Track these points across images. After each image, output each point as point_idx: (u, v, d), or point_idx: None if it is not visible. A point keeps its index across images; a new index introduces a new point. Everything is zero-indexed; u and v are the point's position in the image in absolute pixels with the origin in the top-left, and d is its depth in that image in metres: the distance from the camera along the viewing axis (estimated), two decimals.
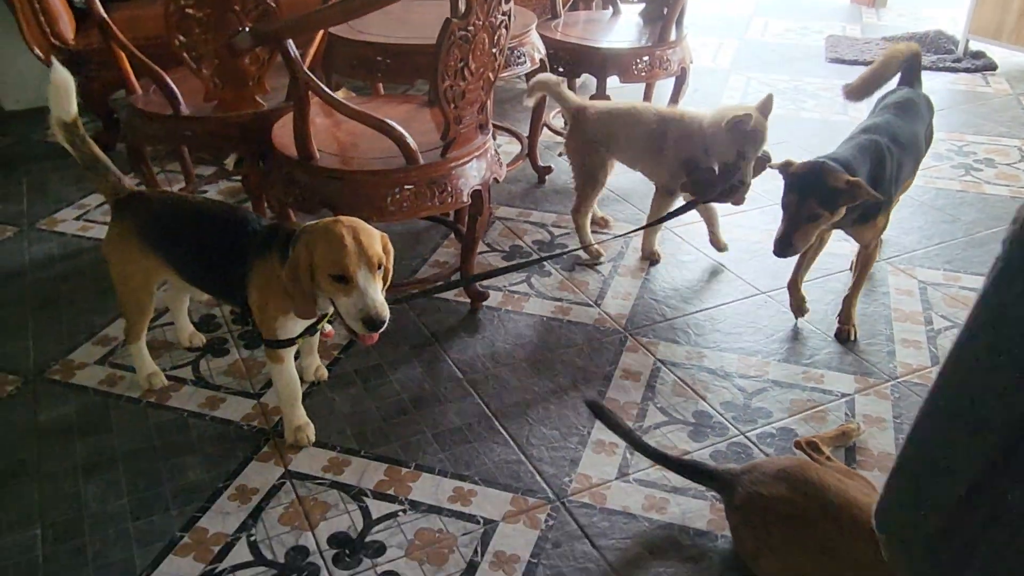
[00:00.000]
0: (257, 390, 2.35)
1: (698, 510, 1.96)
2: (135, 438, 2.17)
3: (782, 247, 2.25)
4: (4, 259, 2.99)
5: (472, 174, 2.43)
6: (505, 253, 3.04)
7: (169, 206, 2.13)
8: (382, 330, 1.80)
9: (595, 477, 2.05)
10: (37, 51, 3.55)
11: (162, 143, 2.75)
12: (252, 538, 1.88)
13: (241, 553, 1.85)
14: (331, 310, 1.99)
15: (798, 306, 2.61)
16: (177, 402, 2.30)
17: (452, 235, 3.12)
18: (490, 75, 2.38)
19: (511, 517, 1.94)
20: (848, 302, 2.55)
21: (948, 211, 3.33)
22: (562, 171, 3.63)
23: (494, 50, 2.33)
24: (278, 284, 1.89)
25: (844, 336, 2.54)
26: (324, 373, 2.37)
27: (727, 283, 2.85)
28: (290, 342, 2.00)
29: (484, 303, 2.72)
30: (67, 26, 3.58)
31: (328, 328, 2.12)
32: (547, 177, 3.61)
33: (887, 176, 2.32)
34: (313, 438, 2.15)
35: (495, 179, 2.54)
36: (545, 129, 3.76)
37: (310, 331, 2.03)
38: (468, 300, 2.72)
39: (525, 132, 3.60)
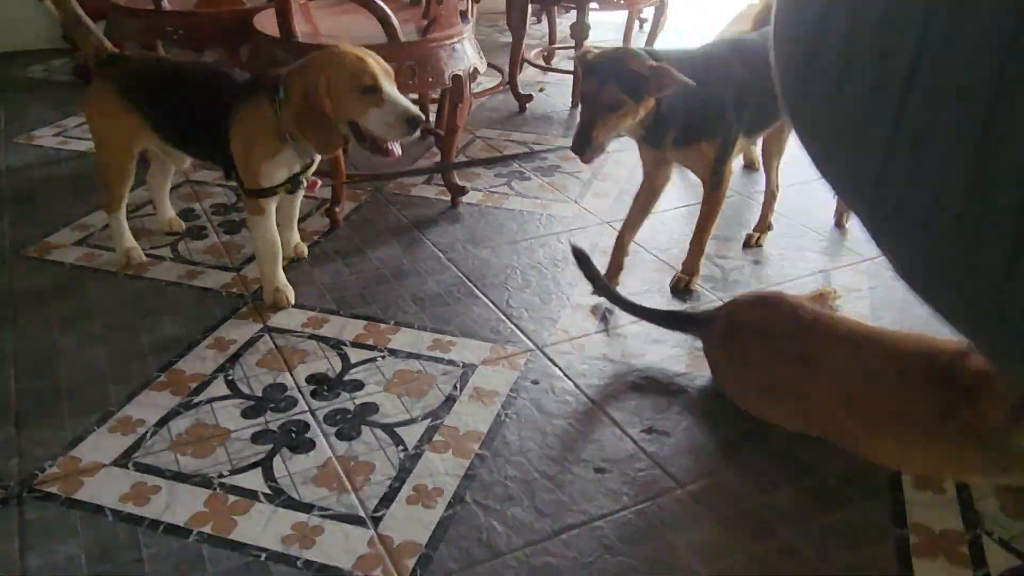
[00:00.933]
0: (236, 265, 2.34)
1: (676, 356, 1.97)
2: (112, 300, 2.16)
3: (581, 143, 1.86)
4: None
5: (453, 58, 2.45)
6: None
7: (151, 65, 2.14)
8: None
9: (575, 331, 2.06)
10: None
11: (143, 38, 2.74)
12: (229, 377, 1.87)
13: (218, 388, 1.84)
14: (317, 159, 2.01)
15: (616, 267, 2.25)
16: (155, 274, 2.28)
17: (434, 146, 3.14)
18: None
19: (490, 362, 1.94)
20: (692, 248, 2.23)
21: None
22: (541, 101, 3.66)
23: None
24: (264, 127, 1.90)
25: (681, 287, 2.23)
26: (304, 250, 2.37)
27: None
28: (272, 191, 2.00)
29: (464, 199, 2.73)
30: None
31: (314, 180, 2.12)
32: (527, 105, 3.64)
33: (724, 97, 2.00)
34: (292, 300, 2.14)
35: (476, 69, 2.56)
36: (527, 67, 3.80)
37: (294, 183, 2.03)
38: (448, 197, 2.73)
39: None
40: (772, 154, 2.47)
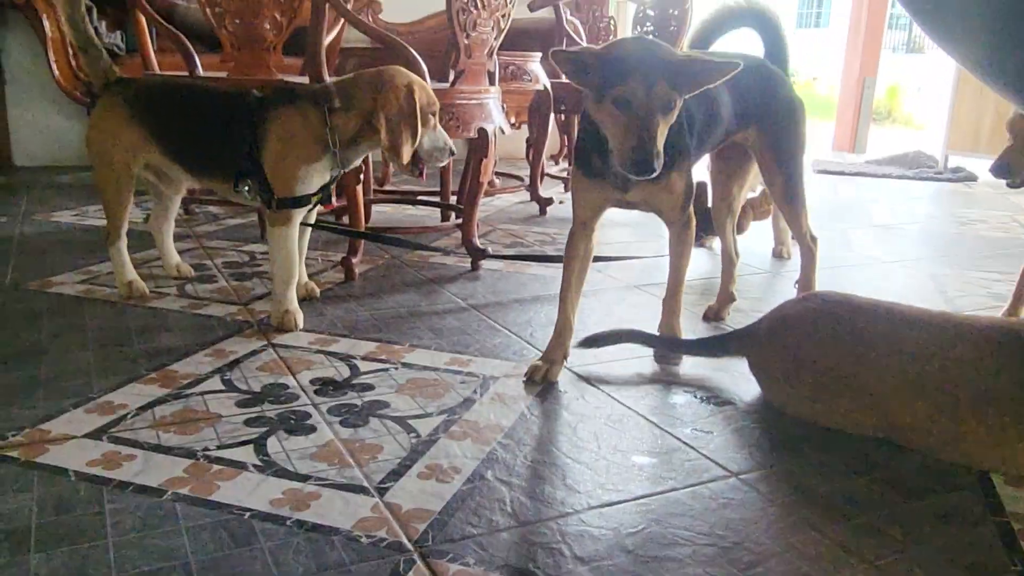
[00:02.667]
0: (243, 300, 2.21)
1: (718, 377, 1.80)
2: (107, 320, 2.02)
3: (650, 155, 1.46)
4: None
5: (478, 112, 2.45)
6: (508, 247, 2.98)
7: (163, 81, 2.14)
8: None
9: (605, 357, 1.89)
10: (62, 82, 3.68)
11: None
12: (226, 377, 1.70)
13: (213, 384, 1.66)
14: (340, 172, 1.97)
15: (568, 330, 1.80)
16: (158, 304, 2.15)
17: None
18: (500, 18, 2.47)
19: (513, 375, 1.77)
20: (667, 305, 1.89)
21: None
22: (561, 207, 3.66)
23: None
24: (308, 132, 1.89)
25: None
26: (315, 289, 2.25)
27: None
28: (305, 200, 1.93)
29: (484, 263, 2.63)
30: None
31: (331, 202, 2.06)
32: (548, 209, 3.63)
33: (681, 118, 1.63)
34: (301, 324, 2.00)
35: (501, 130, 2.56)
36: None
37: (323, 191, 1.98)
38: (468, 261, 2.63)
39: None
40: (725, 215, 2.22)
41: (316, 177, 1.94)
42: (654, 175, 1.47)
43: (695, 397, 1.69)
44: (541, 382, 1.72)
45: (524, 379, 1.73)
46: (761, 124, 1.97)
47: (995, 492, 1.34)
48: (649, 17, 3.90)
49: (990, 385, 1.36)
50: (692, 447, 1.47)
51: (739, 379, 1.77)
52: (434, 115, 1.96)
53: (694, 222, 1.81)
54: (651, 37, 1.61)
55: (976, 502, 1.31)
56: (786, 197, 2.03)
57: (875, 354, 1.47)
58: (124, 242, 2.18)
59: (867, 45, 7.16)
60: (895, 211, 4.09)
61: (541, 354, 1.79)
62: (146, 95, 2.07)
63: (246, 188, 1.94)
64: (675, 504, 1.28)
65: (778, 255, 2.92)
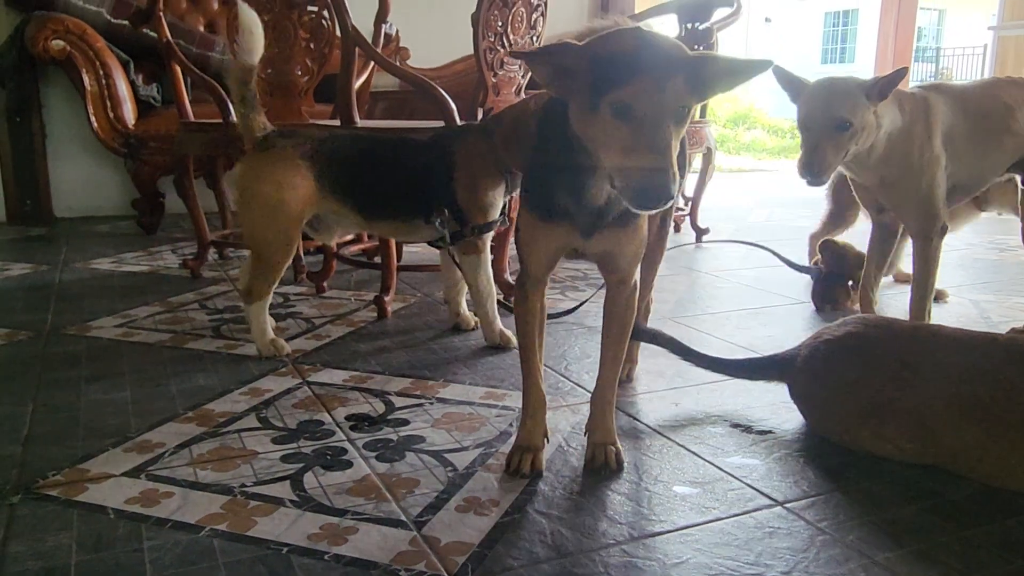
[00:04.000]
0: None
1: (758, 406, 1.76)
2: (144, 362, 2.03)
3: (669, 173, 1.14)
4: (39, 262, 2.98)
5: None
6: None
7: (332, 132, 2.15)
8: None
9: (641, 389, 1.87)
10: (100, 134, 3.78)
11: (210, 150, 2.84)
12: (262, 415, 1.70)
13: (249, 422, 1.66)
14: (509, 196, 2.13)
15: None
16: (194, 346, 2.17)
17: None
18: None
19: (550, 408, 1.74)
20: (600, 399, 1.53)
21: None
22: None
23: (532, 33, 2.48)
24: (487, 161, 2.00)
25: (598, 463, 1.47)
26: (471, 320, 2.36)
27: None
28: (492, 224, 2.07)
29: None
30: (129, 112, 3.84)
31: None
32: None
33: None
34: (515, 342, 2.04)
35: None
36: None
37: (502, 215, 2.12)
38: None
39: None
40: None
41: (499, 201, 2.06)
42: (667, 204, 1.14)
43: (734, 426, 1.66)
44: (529, 475, 1.41)
45: (507, 471, 1.43)
46: None
47: None
48: None
49: None
50: (735, 476, 1.44)
51: (778, 407, 1.73)
52: None
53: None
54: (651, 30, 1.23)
55: None
56: None
57: (919, 378, 1.44)
58: (269, 298, 2.10)
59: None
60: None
61: (513, 444, 1.48)
62: (328, 146, 2.02)
63: (438, 221, 2.00)
64: (720, 534, 1.24)
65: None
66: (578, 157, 1.26)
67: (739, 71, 1.20)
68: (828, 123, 1.86)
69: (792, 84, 1.95)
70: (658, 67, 1.15)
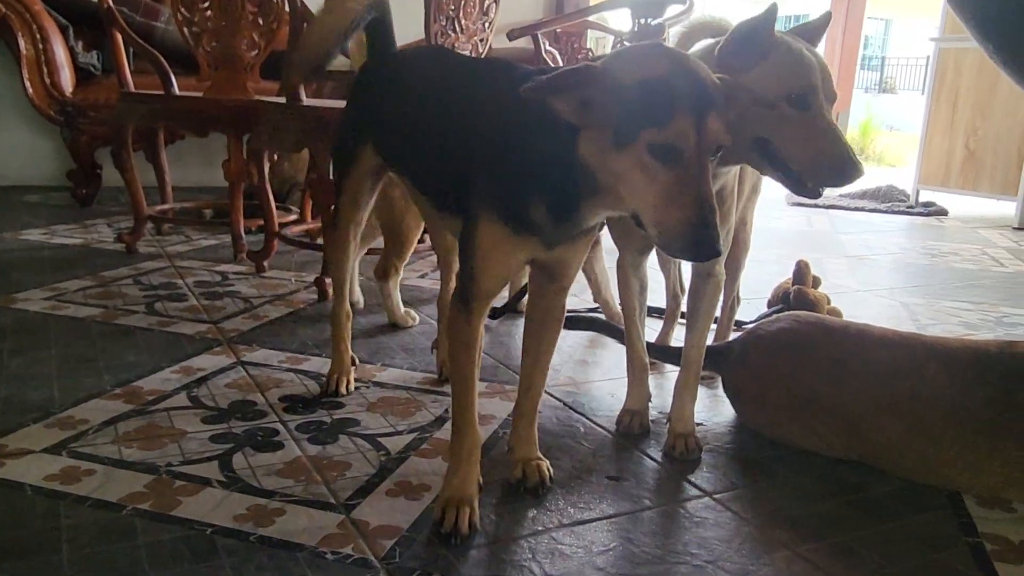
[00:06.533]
0: (214, 319, 2.17)
1: None
2: (72, 336, 1.97)
3: (714, 230, 1.02)
4: None
5: None
6: None
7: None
8: None
9: (580, 378, 1.88)
10: (36, 100, 3.65)
11: (152, 121, 2.76)
12: (193, 393, 1.66)
13: (179, 401, 1.62)
14: None
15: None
16: (125, 322, 2.11)
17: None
18: (478, 43, 2.49)
19: (487, 395, 1.75)
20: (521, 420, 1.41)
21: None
22: None
23: (484, 19, 2.46)
24: None
25: (531, 483, 1.35)
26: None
27: None
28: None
29: None
30: (67, 80, 3.72)
31: None
32: None
33: None
34: None
35: None
36: None
37: None
38: None
39: None
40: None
41: None
42: (717, 258, 1.09)
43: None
44: (467, 534, 1.18)
45: (438, 530, 1.19)
46: None
47: (967, 513, 1.34)
48: None
49: (961, 405, 1.36)
50: (665, 467, 1.46)
51: (712, 400, 1.76)
52: None
53: None
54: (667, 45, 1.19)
55: (949, 523, 1.31)
56: None
57: (847, 374, 1.47)
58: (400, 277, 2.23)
59: (840, 83, 7.30)
60: (868, 243, 4.13)
61: (442, 496, 1.24)
62: None
63: None
64: (648, 523, 1.26)
65: None
66: (573, 176, 1.08)
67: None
68: None
69: None
70: (699, 101, 1.01)
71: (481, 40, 2.50)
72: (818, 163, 1.22)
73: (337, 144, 1.68)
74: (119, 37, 2.83)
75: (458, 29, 2.38)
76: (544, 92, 1.02)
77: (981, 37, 1.70)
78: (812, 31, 1.35)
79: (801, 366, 1.53)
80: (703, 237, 0.99)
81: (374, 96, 1.54)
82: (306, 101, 2.34)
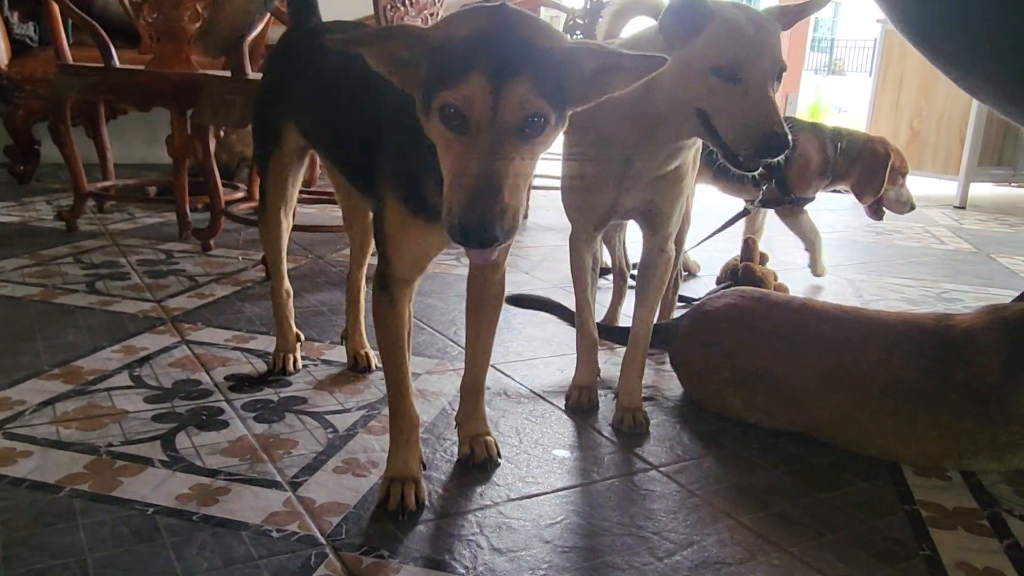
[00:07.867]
0: (157, 298, 2.13)
1: None
2: (7, 314, 1.92)
3: None
4: None
5: None
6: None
7: None
8: None
9: (528, 354, 1.88)
10: None
11: (90, 94, 2.68)
12: (135, 373, 1.63)
13: (120, 380, 1.59)
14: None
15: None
16: (65, 301, 2.05)
17: None
18: (428, 16, 2.46)
19: (436, 372, 1.74)
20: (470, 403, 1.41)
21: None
22: None
23: None
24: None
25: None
26: None
27: None
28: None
29: None
30: (2, 52, 3.58)
31: None
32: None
33: None
34: None
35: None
36: None
37: None
38: None
39: None
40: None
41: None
42: (491, 247, 0.90)
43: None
44: (414, 509, 1.17)
45: (386, 508, 1.17)
46: None
47: (905, 482, 1.37)
48: (579, 26, 3.92)
49: (900, 377, 1.40)
50: (613, 441, 1.47)
51: (662, 375, 1.78)
52: (903, 176, 2.61)
53: None
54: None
55: (887, 492, 1.34)
56: None
57: (791, 348, 1.50)
58: None
59: (789, 65, 7.38)
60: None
61: (385, 476, 1.22)
62: None
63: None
64: (595, 496, 1.27)
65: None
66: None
67: (625, 69, 0.97)
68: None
69: None
70: (498, 60, 0.89)
71: (431, 15, 2.47)
72: (746, 135, 1.24)
73: (257, 121, 1.61)
74: (56, 7, 2.74)
75: (408, 3, 2.35)
76: (348, 43, 0.94)
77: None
78: (791, 13, 1.36)
79: (745, 340, 1.55)
80: (473, 218, 0.86)
81: (293, 70, 1.49)
82: (251, 74, 2.29)
